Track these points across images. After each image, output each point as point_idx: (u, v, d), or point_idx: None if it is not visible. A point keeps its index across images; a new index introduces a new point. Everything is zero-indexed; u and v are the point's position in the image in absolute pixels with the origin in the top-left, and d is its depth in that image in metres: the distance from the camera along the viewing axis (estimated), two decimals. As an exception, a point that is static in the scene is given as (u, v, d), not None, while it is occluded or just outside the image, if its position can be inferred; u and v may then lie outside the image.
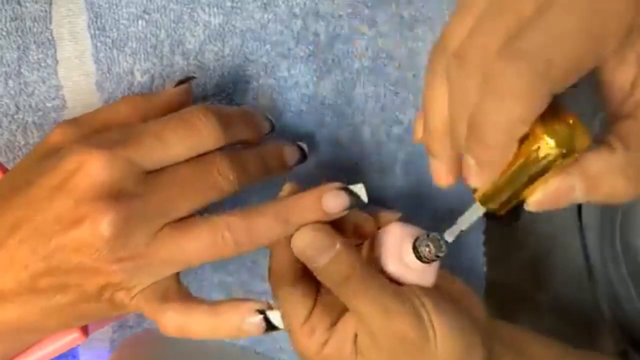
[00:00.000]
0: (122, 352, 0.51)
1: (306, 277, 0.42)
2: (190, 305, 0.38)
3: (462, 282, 0.44)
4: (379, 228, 0.43)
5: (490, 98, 0.31)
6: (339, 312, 0.43)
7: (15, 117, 0.48)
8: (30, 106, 0.48)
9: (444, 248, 0.40)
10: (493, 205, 0.36)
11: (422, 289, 0.41)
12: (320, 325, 0.42)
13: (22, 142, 0.48)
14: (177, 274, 0.39)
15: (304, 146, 0.45)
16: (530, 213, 0.66)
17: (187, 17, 0.48)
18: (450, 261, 0.54)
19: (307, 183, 0.50)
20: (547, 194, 0.34)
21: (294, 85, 0.49)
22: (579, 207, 0.64)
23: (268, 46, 0.49)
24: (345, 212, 0.39)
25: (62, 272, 0.36)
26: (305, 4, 0.48)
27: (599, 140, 0.33)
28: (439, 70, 0.35)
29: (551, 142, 0.31)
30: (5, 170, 0.44)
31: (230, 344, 0.53)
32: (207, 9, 0.48)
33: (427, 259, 0.40)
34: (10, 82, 0.48)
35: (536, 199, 0.34)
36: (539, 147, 0.32)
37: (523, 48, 0.30)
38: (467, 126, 0.32)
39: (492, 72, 0.30)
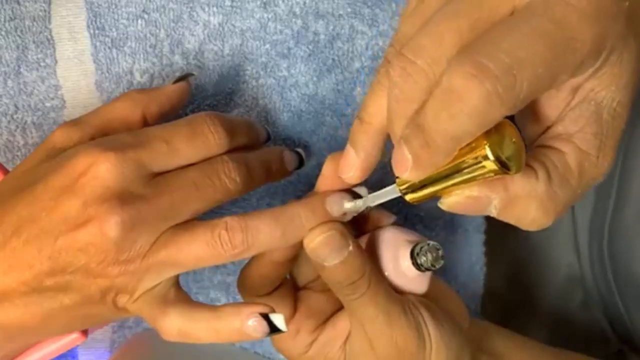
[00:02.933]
0: (122, 352, 0.51)
1: (282, 284, 0.42)
2: (191, 309, 0.38)
3: (449, 287, 0.45)
4: (373, 228, 0.43)
5: (444, 110, 0.30)
6: (324, 316, 0.43)
7: (15, 117, 0.48)
8: (29, 106, 0.48)
9: (441, 259, 0.39)
10: (411, 196, 0.35)
11: (420, 299, 0.41)
12: (305, 327, 0.42)
13: (22, 142, 0.48)
14: (177, 279, 0.39)
15: (302, 152, 0.45)
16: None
17: (187, 16, 0.48)
18: (450, 261, 0.54)
19: (307, 183, 0.50)
20: (464, 198, 0.33)
21: (294, 85, 0.49)
22: (573, 208, 0.64)
23: (268, 46, 0.49)
24: (350, 217, 0.39)
25: (66, 273, 0.36)
26: (305, 3, 0.48)
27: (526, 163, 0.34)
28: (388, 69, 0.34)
29: (491, 156, 0.31)
30: (5, 171, 0.44)
31: (229, 344, 0.53)
32: (206, 8, 0.48)
33: (424, 267, 0.40)
34: (10, 82, 0.48)
35: (453, 200, 0.34)
36: (478, 157, 0.32)
37: (487, 66, 0.29)
38: (411, 124, 0.32)
39: (450, 84, 0.30)
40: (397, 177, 0.35)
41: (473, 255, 0.55)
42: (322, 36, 0.49)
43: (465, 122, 0.30)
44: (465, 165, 0.32)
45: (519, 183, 0.33)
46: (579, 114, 0.33)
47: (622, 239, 0.57)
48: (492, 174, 0.32)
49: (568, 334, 0.66)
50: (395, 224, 0.43)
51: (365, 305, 0.39)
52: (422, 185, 0.34)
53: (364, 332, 0.39)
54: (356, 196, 0.39)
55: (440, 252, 0.39)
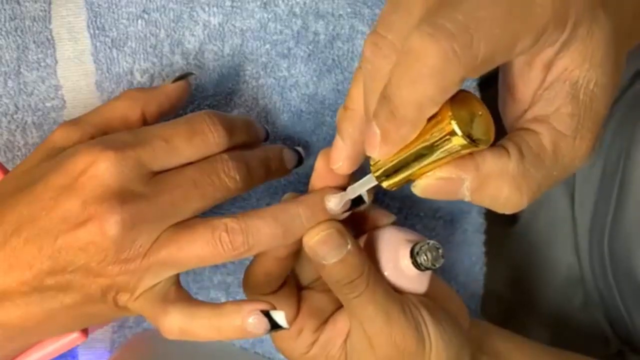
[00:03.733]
0: (122, 352, 0.51)
1: (286, 284, 0.42)
2: (192, 307, 0.38)
3: (447, 285, 0.45)
4: (372, 228, 0.43)
5: (405, 74, 0.30)
6: (326, 315, 0.43)
7: (15, 117, 0.48)
8: (29, 106, 0.48)
9: (441, 258, 0.39)
10: (387, 182, 0.35)
11: (420, 298, 0.41)
12: (307, 326, 0.42)
13: (22, 142, 0.48)
14: (177, 277, 0.39)
15: (301, 150, 0.45)
16: (527, 217, 0.66)
17: (187, 16, 0.48)
18: (450, 261, 0.54)
19: (307, 182, 0.50)
20: (437, 179, 0.33)
21: (294, 85, 0.49)
22: (573, 208, 0.64)
23: (268, 46, 0.49)
24: (348, 214, 0.39)
25: (67, 272, 0.36)
26: (305, 3, 0.48)
27: (499, 144, 0.33)
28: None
29: (457, 129, 0.31)
30: (5, 170, 0.44)
31: (230, 344, 0.53)
32: (206, 9, 0.48)
33: (424, 267, 0.40)
34: (10, 82, 0.48)
35: (426, 182, 0.33)
36: (444, 131, 0.32)
37: (443, 25, 0.29)
38: (379, 98, 0.32)
39: (409, 46, 0.30)
40: (372, 166, 0.36)
41: (473, 255, 0.55)
42: (322, 36, 0.49)
43: (426, 84, 0.30)
44: (434, 141, 0.32)
45: (490, 161, 0.32)
46: (554, 94, 0.33)
47: (623, 240, 0.57)
48: (460, 148, 0.32)
49: (568, 335, 0.66)
50: (395, 223, 0.43)
51: (364, 304, 0.39)
52: (395, 169, 0.34)
53: (363, 331, 0.39)
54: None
55: (440, 251, 0.39)
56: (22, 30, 0.47)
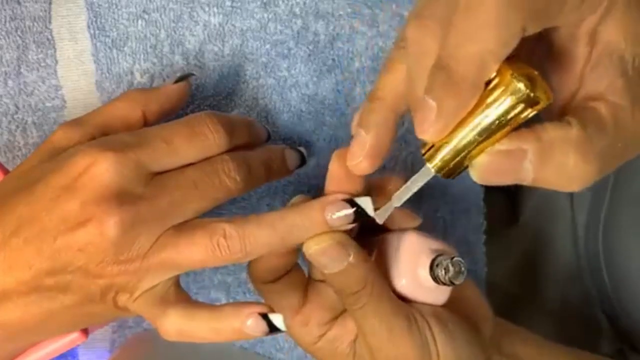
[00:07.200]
0: (122, 352, 0.51)
1: (291, 272, 0.41)
2: (191, 308, 0.38)
3: (477, 289, 0.42)
4: (388, 229, 0.41)
5: (465, 29, 0.29)
6: (338, 311, 0.42)
7: (15, 117, 0.48)
8: (29, 106, 0.48)
9: (462, 275, 0.37)
10: (444, 170, 0.33)
11: (432, 309, 0.39)
12: (315, 318, 0.41)
13: (22, 142, 0.48)
14: (177, 278, 0.39)
15: (304, 151, 0.45)
16: (529, 214, 0.66)
17: (187, 16, 0.48)
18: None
19: (307, 183, 0.50)
20: (496, 154, 0.31)
21: (294, 85, 0.49)
22: (572, 203, 0.64)
23: (268, 46, 0.49)
24: (349, 227, 0.38)
25: (66, 272, 0.36)
26: (305, 3, 0.48)
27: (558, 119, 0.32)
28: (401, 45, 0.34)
29: (521, 85, 0.30)
30: (5, 171, 0.44)
31: (229, 344, 0.53)
32: (206, 9, 0.48)
33: (441, 281, 0.37)
34: (10, 82, 0.48)
35: (484, 159, 0.31)
36: (506, 91, 0.30)
37: None
38: (431, 72, 0.31)
39: (467, 2, 0.29)
40: (424, 154, 0.33)
41: (474, 255, 0.55)
42: (322, 36, 0.49)
43: (488, 35, 0.29)
44: (495, 106, 0.30)
45: (551, 130, 0.31)
46: (603, 70, 0.32)
47: (616, 235, 0.57)
48: (522, 109, 0.30)
49: (570, 330, 0.65)
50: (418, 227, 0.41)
51: (367, 317, 0.38)
52: (452, 153, 0.32)
53: (366, 341, 0.39)
54: (355, 205, 0.37)
55: (462, 268, 0.37)
56: (22, 31, 0.47)
